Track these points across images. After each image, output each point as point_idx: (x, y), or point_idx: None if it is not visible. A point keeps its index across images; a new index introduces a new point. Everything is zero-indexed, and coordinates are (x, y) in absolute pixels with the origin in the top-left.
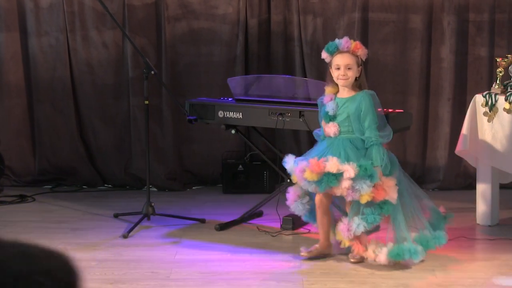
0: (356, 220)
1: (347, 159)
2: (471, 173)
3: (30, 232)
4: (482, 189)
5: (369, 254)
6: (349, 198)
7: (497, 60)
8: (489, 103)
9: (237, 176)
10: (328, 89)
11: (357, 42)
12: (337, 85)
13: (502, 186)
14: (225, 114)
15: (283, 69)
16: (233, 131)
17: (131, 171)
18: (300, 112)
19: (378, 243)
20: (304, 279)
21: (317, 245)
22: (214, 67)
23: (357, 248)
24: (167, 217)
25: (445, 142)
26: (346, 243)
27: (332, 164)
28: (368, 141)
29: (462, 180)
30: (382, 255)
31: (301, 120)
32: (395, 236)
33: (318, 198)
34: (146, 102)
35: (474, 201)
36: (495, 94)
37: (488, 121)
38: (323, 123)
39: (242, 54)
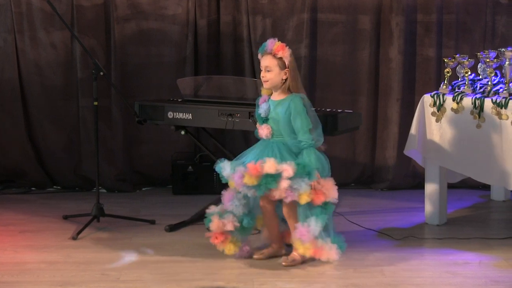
0: (313, 220)
1: (283, 160)
2: (420, 173)
3: None
4: (431, 188)
5: (322, 254)
6: (288, 199)
7: (445, 60)
8: (437, 103)
9: (187, 177)
10: (264, 90)
11: (280, 44)
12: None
13: (450, 186)
14: (175, 115)
15: (233, 69)
16: (182, 132)
17: (81, 172)
18: (249, 112)
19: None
20: (254, 280)
21: (269, 248)
22: (163, 68)
23: (317, 254)
24: (117, 219)
25: (394, 142)
26: (306, 252)
27: (270, 165)
28: (301, 144)
29: (411, 179)
30: (333, 251)
31: (251, 120)
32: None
33: (261, 204)
34: (95, 103)
35: (422, 200)
36: (443, 94)
37: (436, 121)
38: (257, 124)
39: (191, 55)
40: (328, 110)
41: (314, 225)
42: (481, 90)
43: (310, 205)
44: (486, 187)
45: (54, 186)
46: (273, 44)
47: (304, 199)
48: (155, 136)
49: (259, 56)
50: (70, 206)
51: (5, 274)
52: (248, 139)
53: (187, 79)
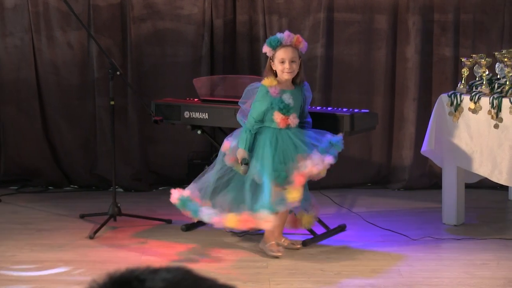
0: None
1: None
2: (437, 173)
3: None
4: (448, 188)
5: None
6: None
7: (462, 60)
8: (454, 103)
9: None
10: (269, 81)
11: (298, 36)
12: (275, 78)
13: (468, 186)
14: (191, 114)
15: (249, 69)
16: (199, 132)
17: (97, 172)
18: None
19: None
20: (271, 279)
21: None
22: (179, 68)
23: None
24: (133, 218)
25: (410, 142)
26: (308, 223)
27: (317, 159)
28: (309, 123)
29: (428, 180)
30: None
31: None
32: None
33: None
34: (112, 102)
35: (439, 200)
36: (460, 94)
37: (453, 121)
38: (278, 114)
39: (207, 55)
40: (344, 109)
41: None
42: (499, 89)
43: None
44: (504, 188)
45: (71, 185)
46: (291, 36)
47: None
48: (171, 135)
49: (269, 49)
50: (86, 205)
51: (22, 272)
52: None
53: (203, 79)
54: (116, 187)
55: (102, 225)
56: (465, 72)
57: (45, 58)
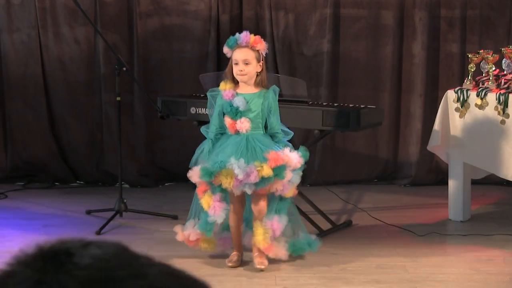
0: (283, 215)
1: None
2: (443, 169)
3: (1, 229)
4: (454, 184)
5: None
6: (283, 192)
7: (469, 56)
8: (461, 99)
9: None
10: (227, 85)
11: (257, 37)
12: (236, 80)
13: (474, 182)
14: (197, 110)
15: None
16: None
17: (103, 167)
18: None
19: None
20: (277, 275)
21: (237, 253)
22: (186, 64)
23: (268, 249)
24: (140, 214)
25: (417, 138)
26: (262, 244)
27: (287, 155)
28: (277, 137)
29: (434, 175)
30: (283, 251)
31: None
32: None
33: (235, 205)
34: (118, 98)
35: (446, 196)
36: (467, 90)
37: (460, 117)
38: (227, 119)
39: (214, 50)
40: (350, 105)
41: (284, 220)
42: (506, 85)
43: (280, 198)
44: (510, 183)
45: (77, 181)
46: (248, 36)
47: (292, 192)
48: (177, 131)
49: (227, 50)
50: (93, 201)
51: None
52: None
53: (209, 75)
54: (123, 183)
55: (108, 221)
56: (472, 68)
57: (51, 54)
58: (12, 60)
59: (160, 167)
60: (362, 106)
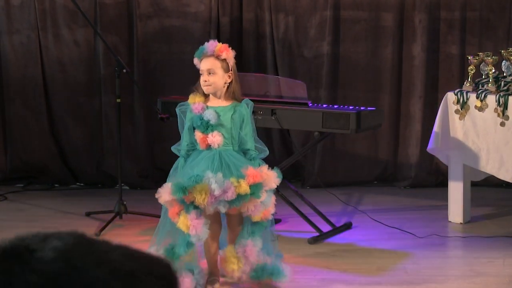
0: (257, 238)
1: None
2: (443, 171)
3: (0, 231)
4: (454, 186)
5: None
6: (253, 214)
7: (469, 58)
8: (461, 101)
9: None
10: (196, 98)
11: (223, 45)
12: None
13: (474, 184)
14: None
15: (255, 67)
16: None
17: (103, 169)
18: (272, 110)
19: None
20: None
21: (216, 277)
22: (186, 65)
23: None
24: (140, 215)
25: (416, 139)
26: (236, 271)
27: (266, 172)
28: (250, 154)
29: (434, 177)
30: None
31: (273, 118)
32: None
33: (212, 225)
34: (118, 100)
35: (446, 198)
36: (467, 92)
37: (460, 119)
38: (197, 133)
39: None
40: (350, 107)
41: (259, 243)
42: (505, 87)
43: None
44: (510, 185)
45: (77, 183)
46: (214, 45)
47: (265, 216)
48: (177, 133)
49: (195, 61)
50: (92, 203)
51: None
52: (270, 137)
53: None
54: (122, 184)
55: (108, 223)
56: (471, 70)
57: (51, 56)
58: (12, 61)
59: (160, 168)
60: (361, 107)
